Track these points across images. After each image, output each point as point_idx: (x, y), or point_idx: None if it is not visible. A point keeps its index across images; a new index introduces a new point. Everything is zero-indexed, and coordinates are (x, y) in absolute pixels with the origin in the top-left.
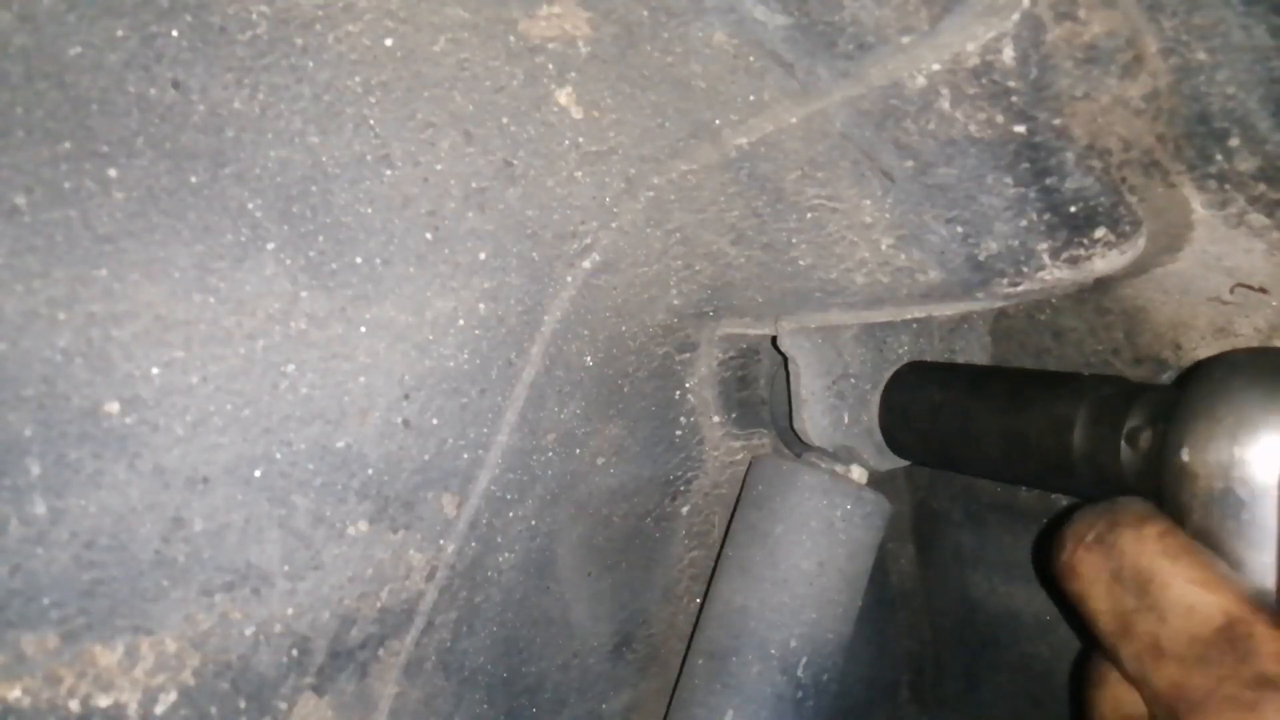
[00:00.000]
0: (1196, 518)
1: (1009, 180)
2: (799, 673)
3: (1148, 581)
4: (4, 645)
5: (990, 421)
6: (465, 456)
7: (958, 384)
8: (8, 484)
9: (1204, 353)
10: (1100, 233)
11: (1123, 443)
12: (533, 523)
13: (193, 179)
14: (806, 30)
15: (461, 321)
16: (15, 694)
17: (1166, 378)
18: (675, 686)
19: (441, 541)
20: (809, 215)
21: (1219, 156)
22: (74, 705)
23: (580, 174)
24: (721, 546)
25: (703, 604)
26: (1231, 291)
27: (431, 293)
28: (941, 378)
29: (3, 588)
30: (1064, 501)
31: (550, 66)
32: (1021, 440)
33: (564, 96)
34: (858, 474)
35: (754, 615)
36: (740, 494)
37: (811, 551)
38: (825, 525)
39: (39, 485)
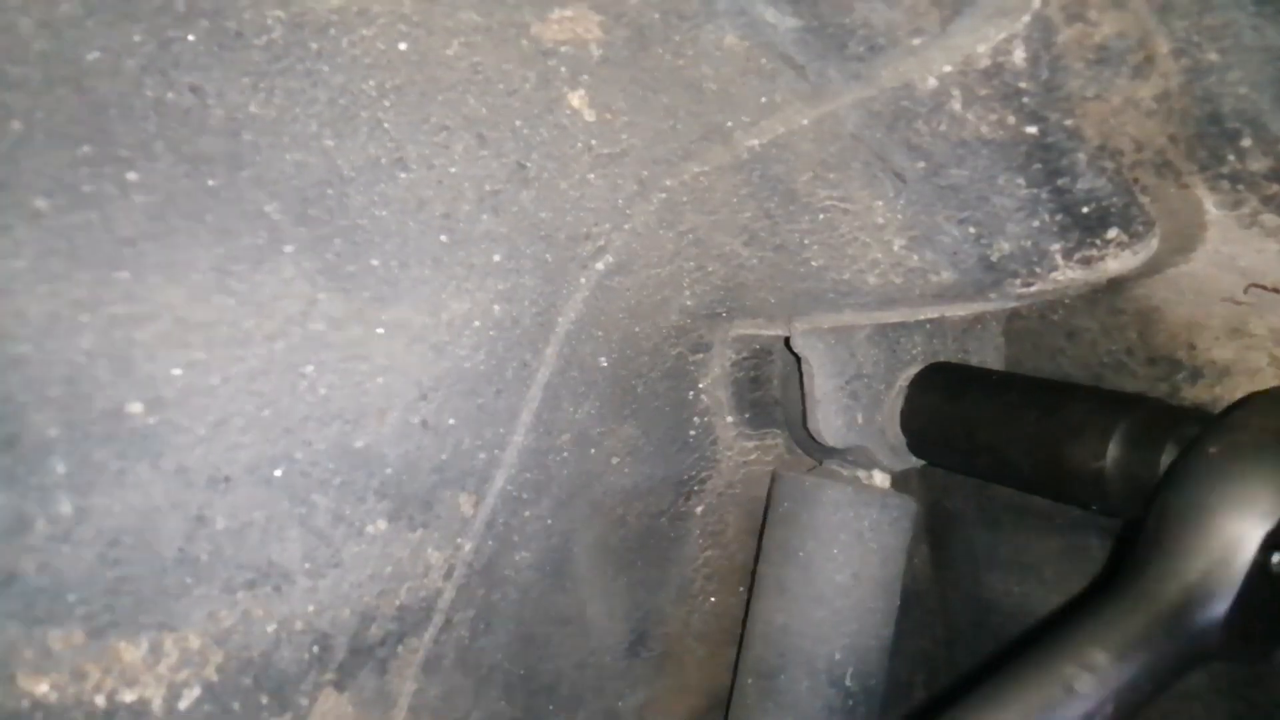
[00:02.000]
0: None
1: (1021, 181)
2: (847, 682)
3: None
4: (32, 641)
5: (1022, 435)
6: (482, 456)
7: (987, 391)
8: (34, 483)
9: (1218, 353)
10: (1113, 233)
11: (1162, 465)
12: (549, 522)
13: (211, 182)
14: (817, 32)
15: (477, 323)
16: (43, 689)
17: (1181, 378)
18: (728, 706)
19: (459, 540)
20: (821, 216)
21: (1231, 157)
22: (100, 700)
23: (593, 176)
24: (755, 564)
25: (744, 622)
26: (1245, 292)
27: (447, 294)
28: (969, 384)
29: (30, 585)
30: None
31: (563, 69)
32: (1054, 456)
33: (576, 99)
34: (880, 479)
35: (796, 632)
36: (766, 511)
37: (844, 565)
38: (854, 537)
39: (64, 484)
